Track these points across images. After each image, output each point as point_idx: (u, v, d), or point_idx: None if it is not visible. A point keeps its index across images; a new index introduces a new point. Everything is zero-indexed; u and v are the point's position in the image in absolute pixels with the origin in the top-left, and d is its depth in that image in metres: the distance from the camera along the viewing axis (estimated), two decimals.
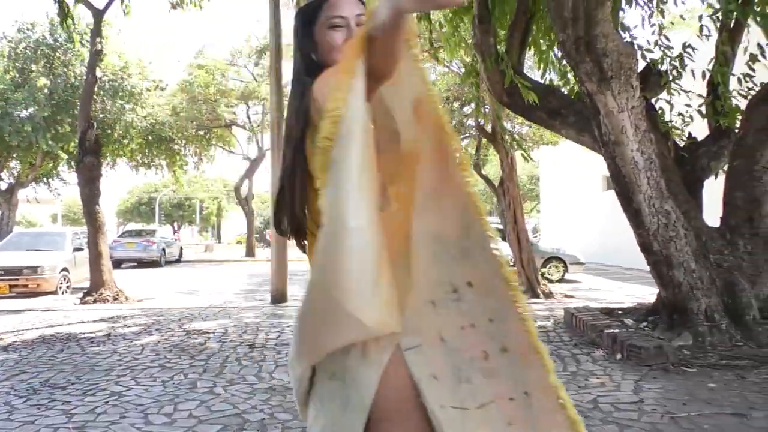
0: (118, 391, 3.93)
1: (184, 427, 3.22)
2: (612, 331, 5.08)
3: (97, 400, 3.74)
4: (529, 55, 7.03)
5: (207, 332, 6.16)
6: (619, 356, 4.71)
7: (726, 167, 5.53)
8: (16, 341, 5.88)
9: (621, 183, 4.80)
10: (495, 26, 6.18)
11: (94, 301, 9.30)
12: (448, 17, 6.85)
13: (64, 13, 6.50)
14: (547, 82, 6.68)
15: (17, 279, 10.80)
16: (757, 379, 4.00)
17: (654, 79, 5.48)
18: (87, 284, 10.40)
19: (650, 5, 5.73)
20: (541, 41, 6.45)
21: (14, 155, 21.96)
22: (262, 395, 3.79)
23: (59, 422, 3.31)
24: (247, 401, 3.67)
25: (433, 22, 7.57)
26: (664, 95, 5.87)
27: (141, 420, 3.33)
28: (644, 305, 6.11)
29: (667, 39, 5.51)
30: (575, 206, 21.93)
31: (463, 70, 12.69)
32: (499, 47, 6.17)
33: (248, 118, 25.79)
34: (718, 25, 5.61)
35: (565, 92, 6.46)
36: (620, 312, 6.09)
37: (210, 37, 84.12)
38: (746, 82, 5.49)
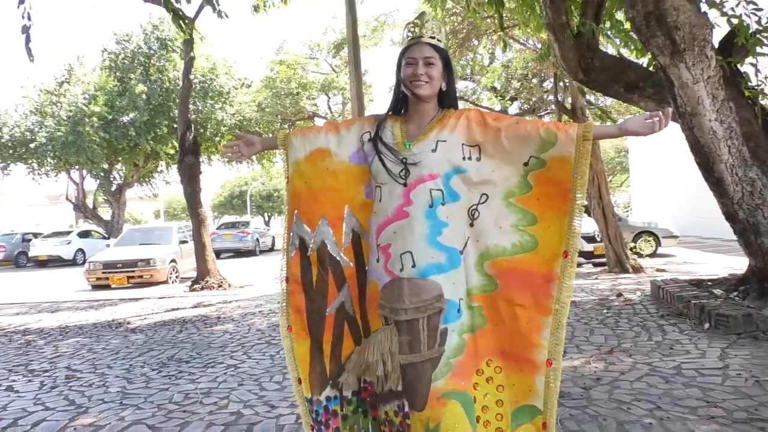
0: (233, 364, 4.45)
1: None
2: (699, 301, 5.05)
3: (216, 371, 4.27)
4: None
5: None
6: (707, 326, 4.70)
7: None
8: (141, 324, 6.64)
9: (700, 153, 4.76)
10: (568, 4, 6.17)
11: (202, 289, 10.15)
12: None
13: (177, 17, 7.23)
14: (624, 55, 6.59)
15: (133, 271, 11.94)
16: None
17: (739, 44, 5.32)
18: (193, 274, 11.33)
19: None
20: (616, 14, 6.36)
21: (120, 158, 23.86)
22: None
23: (189, 389, 3.83)
24: None
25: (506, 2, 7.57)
26: (750, 59, 5.66)
27: (256, 387, 3.80)
28: (735, 276, 5.98)
29: (754, 3, 5.29)
30: (669, 178, 20.94)
31: (539, 46, 12.54)
32: (572, 25, 6.16)
33: (329, 108, 26.46)
34: None
35: (643, 64, 6.35)
36: (709, 283, 6.00)
37: (289, 32, 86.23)
38: None
